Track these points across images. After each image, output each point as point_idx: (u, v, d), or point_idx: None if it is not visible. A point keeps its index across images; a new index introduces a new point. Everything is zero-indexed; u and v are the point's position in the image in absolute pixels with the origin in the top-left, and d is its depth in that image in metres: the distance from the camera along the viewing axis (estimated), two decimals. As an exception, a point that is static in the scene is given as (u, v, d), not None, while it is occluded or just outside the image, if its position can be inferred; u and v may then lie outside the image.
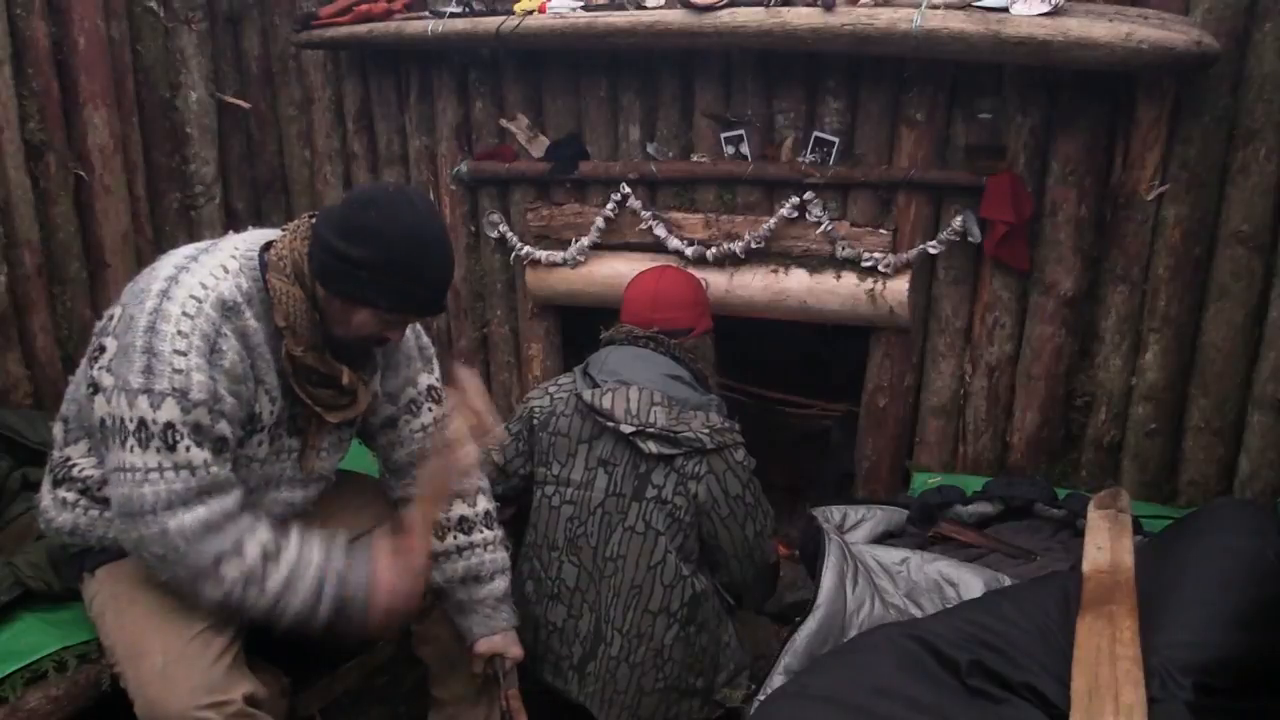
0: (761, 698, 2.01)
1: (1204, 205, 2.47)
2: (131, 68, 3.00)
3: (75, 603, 1.96)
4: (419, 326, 2.08)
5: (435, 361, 2.09)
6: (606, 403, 2.17)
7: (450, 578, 2.04)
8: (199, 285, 1.69)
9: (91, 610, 1.88)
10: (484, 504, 2.09)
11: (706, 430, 2.14)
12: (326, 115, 3.35)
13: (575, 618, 2.21)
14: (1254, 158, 2.39)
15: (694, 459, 2.13)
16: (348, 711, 2.34)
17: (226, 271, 1.73)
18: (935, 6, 2.34)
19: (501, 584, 2.08)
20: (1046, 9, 2.28)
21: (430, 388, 2.06)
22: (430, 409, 2.05)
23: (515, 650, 2.07)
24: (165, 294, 1.67)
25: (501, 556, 2.09)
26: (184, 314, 1.65)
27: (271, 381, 1.78)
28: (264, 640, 1.85)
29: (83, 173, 2.84)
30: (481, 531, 2.06)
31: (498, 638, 2.05)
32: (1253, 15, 2.33)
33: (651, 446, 2.13)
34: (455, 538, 2.04)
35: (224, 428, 1.69)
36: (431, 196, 3.24)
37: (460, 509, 2.05)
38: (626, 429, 2.14)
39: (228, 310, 1.69)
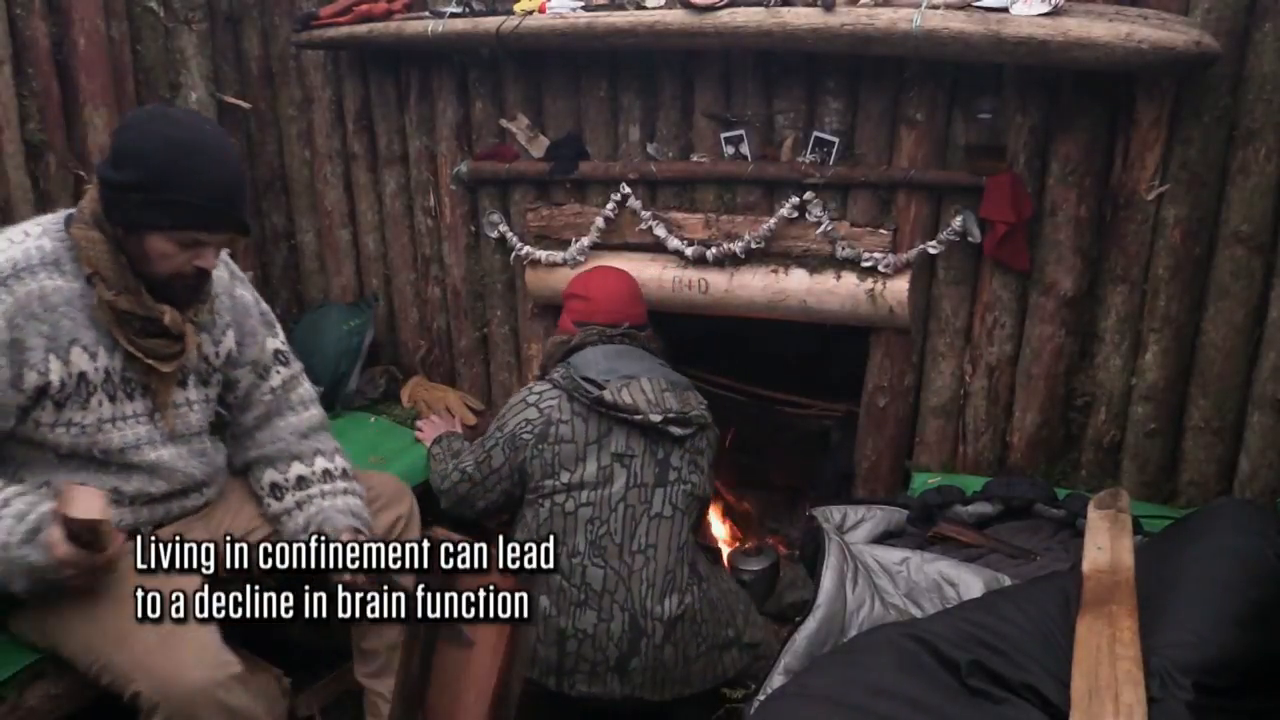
0: (761, 698, 2.01)
1: (1204, 205, 2.47)
2: (131, 68, 2.99)
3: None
4: (255, 294, 2.10)
5: (278, 325, 2.14)
6: (626, 397, 2.21)
7: (295, 532, 1.99)
8: None
9: (42, 632, 1.85)
10: (322, 464, 2.07)
11: (702, 406, 2.34)
12: (326, 115, 3.35)
13: (606, 621, 2.18)
14: (1254, 158, 2.39)
15: (698, 435, 2.30)
16: (348, 711, 2.34)
17: (28, 235, 1.76)
18: (935, 6, 2.34)
19: (351, 502, 2.02)
20: (1046, 9, 2.27)
21: (277, 351, 2.11)
22: (279, 371, 2.10)
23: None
24: None
25: (345, 501, 2.03)
26: None
27: (88, 338, 1.78)
28: (264, 640, 1.85)
29: (83, 173, 2.82)
30: (320, 485, 2.04)
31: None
32: (1253, 15, 2.33)
33: (675, 430, 2.24)
34: (293, 495, 2.02)
35: None
36: (431, 197, 3.24)
37: (298, 469, 2.05)
38: (655, 417, 2.21)
39: (10, 275, 1.70)
